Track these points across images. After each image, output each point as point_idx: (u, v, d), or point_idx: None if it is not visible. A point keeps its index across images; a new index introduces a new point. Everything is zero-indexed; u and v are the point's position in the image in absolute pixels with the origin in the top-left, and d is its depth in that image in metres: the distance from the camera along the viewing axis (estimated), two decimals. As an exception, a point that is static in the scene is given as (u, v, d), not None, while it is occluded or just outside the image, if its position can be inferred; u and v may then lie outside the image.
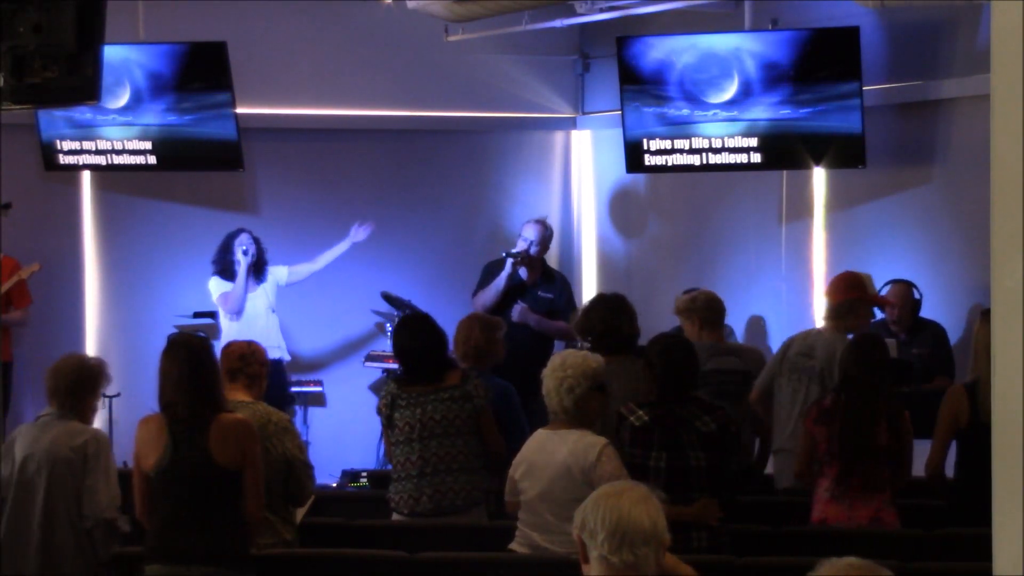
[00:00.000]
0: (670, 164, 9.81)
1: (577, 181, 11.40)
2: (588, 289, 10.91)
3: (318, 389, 10.58)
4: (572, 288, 10.16)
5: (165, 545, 5.50)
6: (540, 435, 5.68)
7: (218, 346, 6.27)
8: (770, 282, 10.01)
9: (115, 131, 10.05)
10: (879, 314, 8.40)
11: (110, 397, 9.30)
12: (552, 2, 9.62)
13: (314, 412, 10.55)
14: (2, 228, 9.01)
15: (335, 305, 10.63)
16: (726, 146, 9.56)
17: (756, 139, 9.47)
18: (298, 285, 10.15)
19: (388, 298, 10.34)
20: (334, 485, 9.38)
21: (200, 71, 9.87)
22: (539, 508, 5.58)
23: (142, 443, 5.59)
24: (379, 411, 6.55)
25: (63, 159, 10.15)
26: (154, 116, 9.98)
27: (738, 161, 9.58)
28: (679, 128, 9.67)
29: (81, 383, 6.14)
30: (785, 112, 9.31)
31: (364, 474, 9.09)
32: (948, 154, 9.08)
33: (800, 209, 9.84)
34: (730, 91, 9.45)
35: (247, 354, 6.12)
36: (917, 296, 8.66)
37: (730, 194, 10.29)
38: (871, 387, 6.25)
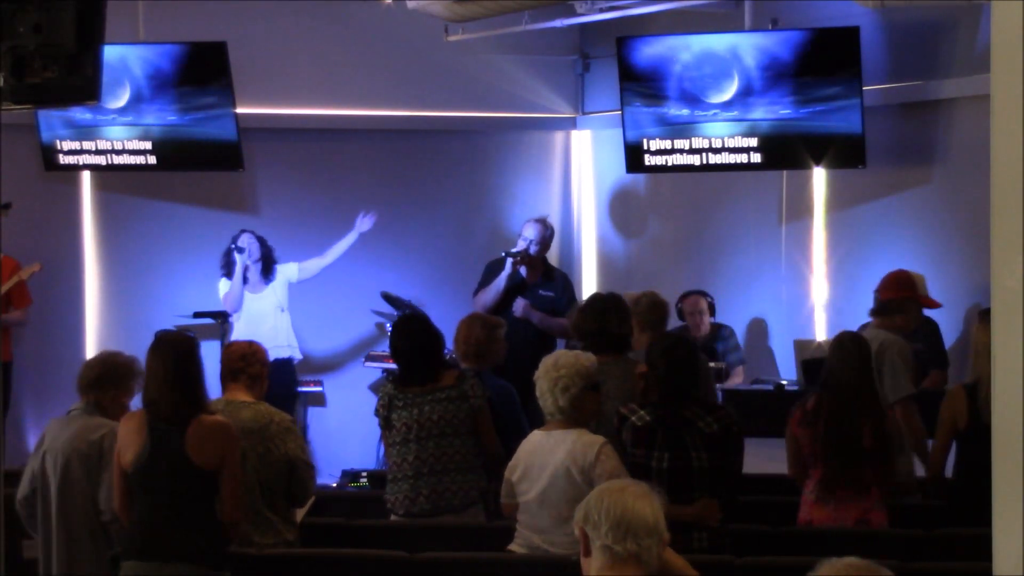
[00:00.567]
0: (670, 164, 9.82)
1: (577, 181, 11.40)
2: (588, 289, 10.90)
3: (318, 389, 10.58)
4: (574, 286, 10.15)
5: (142, 542, 5.51)
6: (536, 436, 5.66)
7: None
8: (770, 282, 10.01)
9: (115, 131, 10.05)
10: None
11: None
12: (552, 2, 9.63)
13: (314, 412, 10.55)
14: (2, 228, 9.01)
15: (336, 305, 10.63)
16: (726, 146, 9.56)
17: (756, 139, 9.48)
18: (299, 286, 10.15)
19: (388, 298, 10.34)
20: (334, 485, 9.38)
21: (200, 71, 9.87)
22: (538, 510, 5.57)
23: (122, 439, 5.61)
24: (377, 412, 6.55)
25: (63, 159, 10.15)
26: (154, 116, 9.98)
27: (738, 161, 9.58)
28: (679, 128, 9.67)
29: (105, 378, 6.16)
30: (785, 112, 9.31)
31: (364, 474, 9.08)
32: (948, 154, 9.08)
33: (800, 209, 9.84)
34: (730, 91, 9.46)
35: (248, 354, 6.12)
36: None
37: (730, 194, 10.29)
38: (854, 388, 6.14)
